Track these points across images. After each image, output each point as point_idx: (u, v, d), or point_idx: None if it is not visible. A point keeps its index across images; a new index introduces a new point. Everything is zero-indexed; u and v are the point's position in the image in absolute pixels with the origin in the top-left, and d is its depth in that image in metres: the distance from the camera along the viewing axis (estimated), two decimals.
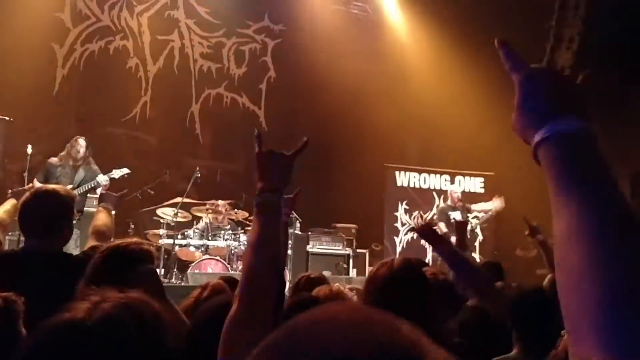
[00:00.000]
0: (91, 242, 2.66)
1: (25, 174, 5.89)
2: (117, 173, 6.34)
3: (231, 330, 1.30)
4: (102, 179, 6.01)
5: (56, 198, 2.52)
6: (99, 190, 6.02)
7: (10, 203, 2.72)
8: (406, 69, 10.36)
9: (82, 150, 6.14)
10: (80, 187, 5.90)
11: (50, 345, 0.95)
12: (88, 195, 6.22)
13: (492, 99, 9.60)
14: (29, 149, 6.03)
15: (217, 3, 10.35)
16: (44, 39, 9.16)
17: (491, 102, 9.62)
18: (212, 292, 2.13)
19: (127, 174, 6.45)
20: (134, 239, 2.25)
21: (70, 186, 5.88)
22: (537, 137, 0.77)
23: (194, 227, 7.60)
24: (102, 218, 2.87)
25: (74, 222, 2.77)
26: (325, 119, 10.00)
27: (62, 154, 6.20)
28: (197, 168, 7.76)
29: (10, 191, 2.96)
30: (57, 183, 5.81)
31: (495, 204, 7.90)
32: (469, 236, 7.93)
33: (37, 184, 5.90)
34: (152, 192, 8.28)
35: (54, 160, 6.12)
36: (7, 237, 5.54)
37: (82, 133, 9.29)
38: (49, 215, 2.48)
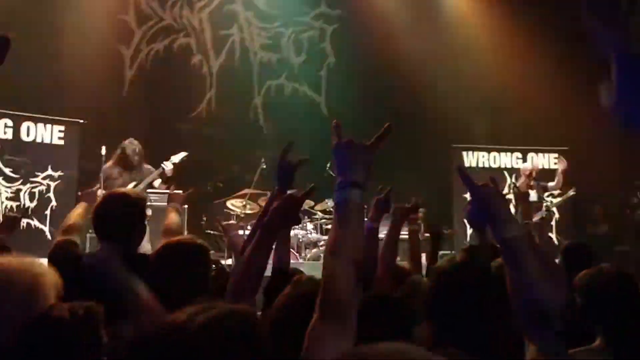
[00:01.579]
0: (163, 241, 2.75)
1: (101, 175, 6.14)
2: (176, 158, 6.37)
3: (312, 344, 1.23)
4: (167, 165, 6.11)
5: (127, 201, 2.60)
6: (156, 183, 6.13)
7: (81, 206, 2.83)
8: (468, 46, 10.03)
9: (137, 152, 6.23)
10: (144, 182, 6.03)
11: (151, 349, 0.98)
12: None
13: (562, 71, 9.18)
14: (103, 150, 6.26)
15: None
16: (111, 42, 9.51)
17: (561, 75, 9.20)
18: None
19: (185, 156, 6.47)
20: (189, 236, 2.36)
21: (133, 184, 6.03)
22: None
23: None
24: (172, 217, 2.96)
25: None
26: (387, 103, 9.86)
27: (116, 158, 6.26)
28: (263, 160, 7.84)
29: (79, 193, 3.09)
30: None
31: (569, 195, 7.66)
32: (545, 216, 7.67)
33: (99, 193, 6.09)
34: (222, 185, 8.48)
35: (109, 165, 6.24)
36: (87, 235, 5.84)
37: (153, 131, 9.68)
38: (121, 218, 2.55)
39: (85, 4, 9.09)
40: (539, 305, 1.34)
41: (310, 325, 1.26)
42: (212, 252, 8.06)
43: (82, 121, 7.71)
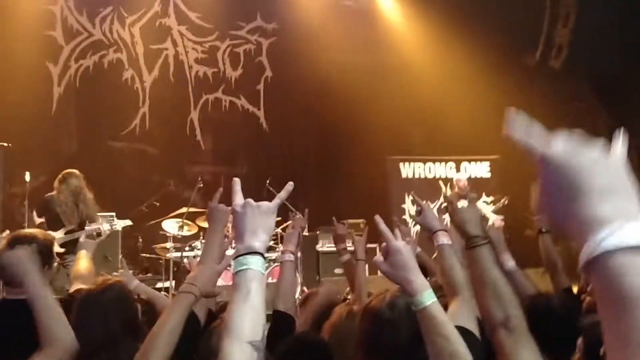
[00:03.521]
0: (76, 285, 2.70)
1: (26, 202, 5.88)
2: (120, 224, 6.34)
3: None
4: (105, 227, 5.92)
5: (34, 244, 2.54)
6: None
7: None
8: (403, 58, 10.23)
9: (78, 184, 5.98)
10: (79, 233, 5.77)
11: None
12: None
13: (493, 81, 9.47)
14: (27, 177, 6.00)
15: (208, 7, 10.26)
16: (38, 59, 9.15)
17: (492, 85, 9.49)
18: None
19: (129, 226, 6.51)
20: (103, 278, 2.34)
21: (70, 227, 5.78)
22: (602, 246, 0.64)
23: (201, 237, 7.58)
24: (84, 264, 2.92)
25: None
26: (326, 115, 9.92)
27: (57, 188, 5.99)
28: (200, 178, 7.71)
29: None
30: (56, 220, 5.77)
31: (502, 202, 7.86)
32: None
33: (36, 219, 5.88)
34: (157, 204, 8.28)
35: (52, 196, 5.98)
36: None
37: (83, 150, 9.38)
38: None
39: (10, 20, 8.71)
40: None
41: None
42: (149, 275, 7.87)
43: (5, 144, 7.36)
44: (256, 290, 1.23)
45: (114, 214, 7.23)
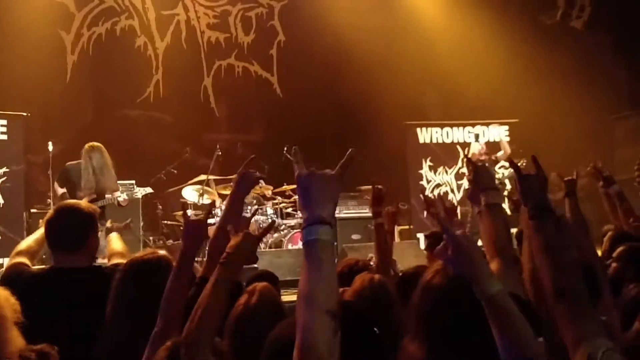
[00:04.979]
0: (114, 260, 2.78)
1: (50, 172, 5.89)
2: (140, 191, 6.31)
3: None
4: (122, 198, 5.91)
5: (79, 213, 2.60)
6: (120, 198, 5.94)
7: (41, 232, 2.75)
8: (420, 21, 10.05)
9: (101, 159, 5.97)
10: (101, 202, 5.79)
11: None
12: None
13: (511, 44, 9.34)
14: (50, 147, 6.00)
15: None
16: (50, 27, 9.06)
17: (509, 48, 9.35)
18: (261, 298, 2.09)
19: (149, 193, 6.46)
20: (149, 250, 2.44)
21: (92, 196, 5.80)
22: None
23: (220, 204, 7.61)
24: (119, 244, 3.02)
25: (100, 233, 2.86)
26: (341, 80, 9.82)
27: (81, 159, 5.99)
28: (217, 146, 7.69)
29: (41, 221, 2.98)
30: (75, 189, 5.81)
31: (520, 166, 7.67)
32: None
33: (58, 190, 5.91)
34: (176, 172, 8.30)
35: (72, 165, 5.98)
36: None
37: (99, 118, 9.36)
38: (74, 230, 2.56)
39: None
40: None
41: None
42: (170, 241, 7.92)
43: (25, 114, 7.35)
44: (328, 260, 1.23)
45: (133, 181, 7.26)
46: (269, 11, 10.55)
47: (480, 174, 2.17)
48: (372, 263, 3.15)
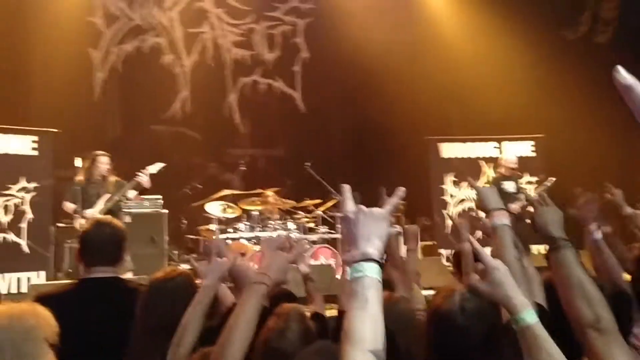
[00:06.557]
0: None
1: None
2: (153, 168, 6.20)
3: None
4: (144, 177, 6.01)
5: (117, 228, 2.71)
6: (131, 194, 6.03)
7: None
8: (442, 36, 10.07)
9: (106, 167, 6.09)
10: (112, 199, 5.91)
11: None
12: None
13: (534, 60, 9.29)
14: (78, 162, 6.15)
15: None
16: (80, 45, 9.29)
17: (533, 63, 9.30)
18: (291, 320, 2.10)
19: (162, 167, 6.30)
20: (171, 268, 2.47)
21: (107, 196, 5.92)
22: None
23: (244, 219, 7.68)
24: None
25: None
26: (363, 96, 9.87)
27: (85, 170, 6.06)
28: (242, 161, 7.78)
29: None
30: (88, 200, 5.92)
31: (547, 183, 7.39)
32: (524, 204, 7.62)
33: (68, 206, 6.03)
34: (201, 187, 8.41)
35: (79, 179, 6.06)
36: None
37: (127, 134, 9.56)
38: (115, 244, 2.67)
39: (51, 8, 8.84)
40: None
41: None
42: (193, 256, 8.01)
43: (55, 130, 7.54)
44: (374, 298, 1.22)
45: (160, 196, 7.39)
46: (292, 28, 10.69)
47: (483, 196, 2.09)
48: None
